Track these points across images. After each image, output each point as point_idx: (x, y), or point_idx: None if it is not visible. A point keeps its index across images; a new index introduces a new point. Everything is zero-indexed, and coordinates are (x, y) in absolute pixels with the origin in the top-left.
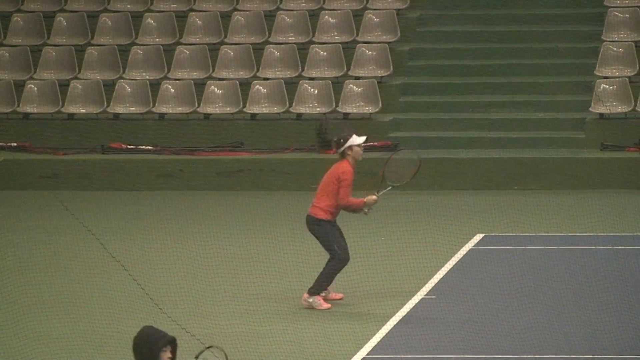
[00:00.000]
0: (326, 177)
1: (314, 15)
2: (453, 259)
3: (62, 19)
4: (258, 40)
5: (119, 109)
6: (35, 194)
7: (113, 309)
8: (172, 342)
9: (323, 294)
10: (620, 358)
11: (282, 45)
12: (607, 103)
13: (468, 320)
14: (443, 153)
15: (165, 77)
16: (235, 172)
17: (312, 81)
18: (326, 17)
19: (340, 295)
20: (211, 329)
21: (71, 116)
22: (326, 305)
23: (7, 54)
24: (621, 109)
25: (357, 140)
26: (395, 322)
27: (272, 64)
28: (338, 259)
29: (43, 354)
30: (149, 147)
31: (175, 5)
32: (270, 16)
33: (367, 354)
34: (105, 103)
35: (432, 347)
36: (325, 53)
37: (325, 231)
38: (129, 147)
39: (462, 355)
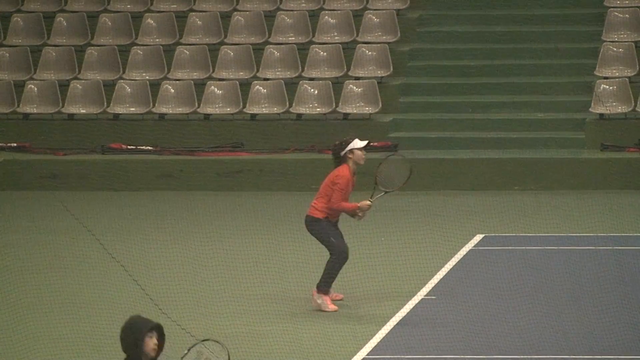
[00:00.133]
0: (326, 180)
1: (314, 15)
2: (453, 259)
3: (62, 19)
4: (258, 41)
5: (119, 109)
6: (35, 194)
7: (113, 309)
8: (158, 328)
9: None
10: (620, 358)
11: (282, 46)
12: (607, 103)
13: (468, 320)
14: (443, 153)
15: (165, 78)
16: (236, 172)
17: (312, 81)
18: (326, 17)
19: (340, 296)
20: (211, 329)
21: (71, 116)
22: (333, 307)
23: (7, 54)
24: (621, 109)
25: (358, 144)
26: (395, 323)
27: (272, 64)
28: (337, 254)
29: (43, 354)
30: (149, 148)
31: (175, 5)
32: (270, 16)
33: (367, 354)
34: (105, 103)
35: (432, 348)
36: (325, 53)
37: (321, 227)
38: (129, 147)
39: (462, 356)
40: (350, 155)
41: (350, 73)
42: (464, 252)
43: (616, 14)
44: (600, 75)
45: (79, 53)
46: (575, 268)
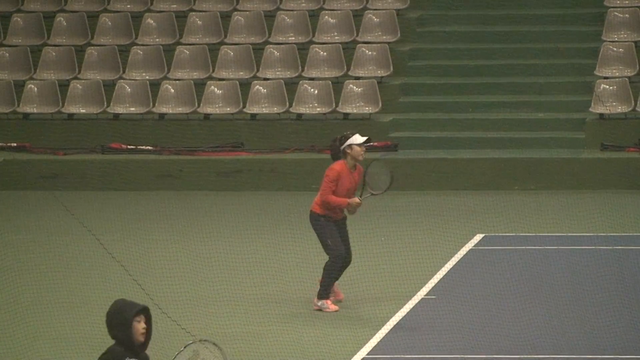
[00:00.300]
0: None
1: (314, 15)
2: (453, 259)
3: (62, 19)
4: (258, 40)
5: (119, 109)
6: (35, 194)
7: None
8: (144, 311)
9: (332, 298)
10: (620, 358)
11: (282, 45)
12: (607, 103)
13: (468, 320)
14: (443, 153)
15: (165, 77)
16: (235, 172)
17: (312, 81)
18: (326, 17)
19: (341, 296)
20: (211, 329)
21: (71, 116)
22: (334, 308)
23: (7, 54)
24: (621, 109)
25: (358, 139)
26: (395, 322)
27: (272, 64)
28: (333, 256)
29: (43, 353)
30: (149, 147)
31: (175, 5)
32: (270, 16)
33: (367, 354)
34: (105, 103)
35: (432, 347)
36: (325, 53)
37: (320, 226)
38: (128, 147)
39: (462, 355)
40: (348, 151)
41: (350, 73)
42: (464, 252)
43: (616, 14)
44: (600, 75)
45: (79, 53)
46: (575, 268)
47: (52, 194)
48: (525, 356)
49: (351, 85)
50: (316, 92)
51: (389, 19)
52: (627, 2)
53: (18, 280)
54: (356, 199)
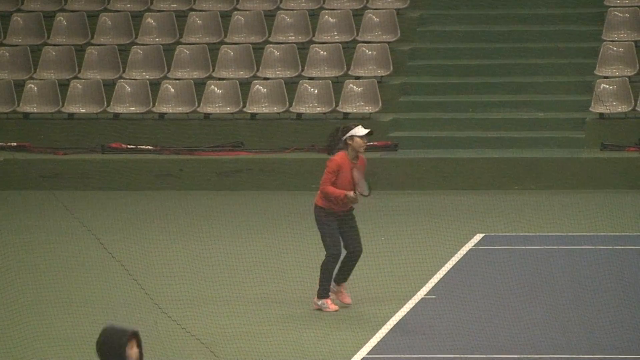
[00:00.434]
0: None
1: (314, 15)
2: (453, 259)
3: (62, 18)
4: (258, 40)
5: (119, 109)
6: (35, 194)
7: (113, 309)
8: (134, 335)
9: (332, 297)
10: (620, 358)
11: (282, 45)
12: (607, 103)
13: (468, 320)
14: (443, 153)
15: (165, 77)
16: (235, 172)
17: (312, 81)
18: (326, 17)
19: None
20: (211, 329)
21: (71, 116)
22: (334, 307)
23: (7, 54)
24: (621, 109)
25: (360, 131)
26: (395, 322)
27: (272, 63)
28: (329, 255)
29: (43, 353)
30: (149, 147)
31: (175, 5)
32: (270, 16)
33: (367, 354)
34: (105, 103)
35: (432, 347)
36: (325, 53)
37: (320, 220)
38: (128, 147)
39: (462, 355)
40: (350, 142)
41: (350, 72)
42: (464, 252)
43: (616, 13)
44: (600, 74)
45: (79, 52)
46: (575, 268)
47: (52, 194)
48: (525, 356)
49: (351, 85)
50: (316, 91)
51: (389, 19)
52: (627, 1)
53: (18, 280)
54: (351, 192)
